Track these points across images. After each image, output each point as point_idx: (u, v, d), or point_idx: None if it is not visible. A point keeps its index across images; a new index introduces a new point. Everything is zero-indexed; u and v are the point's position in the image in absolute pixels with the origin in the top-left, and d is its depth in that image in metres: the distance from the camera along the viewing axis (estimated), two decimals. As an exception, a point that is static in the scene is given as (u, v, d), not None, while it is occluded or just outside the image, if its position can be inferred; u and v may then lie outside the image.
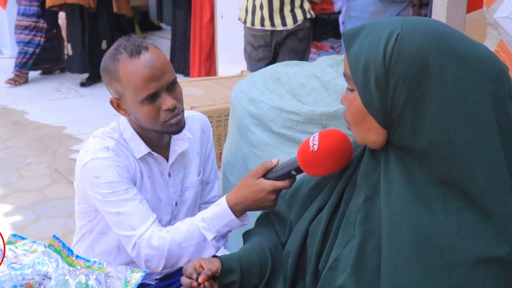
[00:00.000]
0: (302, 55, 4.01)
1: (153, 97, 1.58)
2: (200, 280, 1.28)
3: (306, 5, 3.96)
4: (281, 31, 3.92)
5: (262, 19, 3.91)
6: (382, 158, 1.13)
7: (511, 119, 1.04)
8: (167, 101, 1.59)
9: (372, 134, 1.11)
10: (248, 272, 1.37)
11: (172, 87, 1.62)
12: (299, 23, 3.91)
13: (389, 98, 1.05)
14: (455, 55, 1.02)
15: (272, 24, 3.89)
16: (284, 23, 3.89)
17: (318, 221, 1.27)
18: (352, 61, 1.09)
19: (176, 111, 1.62)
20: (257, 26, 3.94)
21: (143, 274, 1.35)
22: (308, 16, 3.95)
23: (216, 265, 1.33)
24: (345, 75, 1.14)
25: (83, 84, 6.43)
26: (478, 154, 1.01)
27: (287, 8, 3.88)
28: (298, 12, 3.91)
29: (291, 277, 1.34)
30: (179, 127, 1.65)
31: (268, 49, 3.99)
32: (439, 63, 1.02)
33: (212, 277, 1.33)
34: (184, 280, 1.32)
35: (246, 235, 1.52)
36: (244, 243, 1.50)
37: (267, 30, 3.93)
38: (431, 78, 1.02)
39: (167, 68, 1.61)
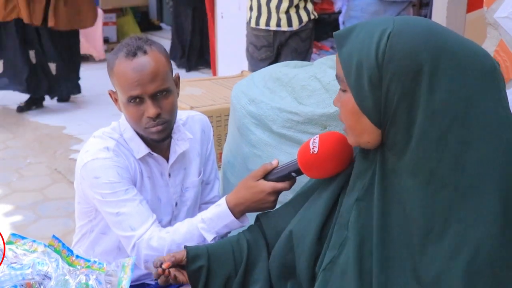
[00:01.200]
0: (305, 55, 4.01)
1: (137, 101, 1.60)
2: (164, 266, 1.37)
3: (310, 6, 3.96)
4: (284, 31, 3.92)
5: (268, 19, 3.90)
6: (377, 159, 1.13)
7: (505, 115, 1.04)
8: (149, 109, 1.60)
9: (367, 135, 1.11)
10: (218, 259, 1.40)
11: (161, 96, 1.61)
12: (304, 24, 3.91)
13: (383, 96, 1.05)
14: (447, 51, 1.03)
15: (278, 24, 3.89)
16: (290, 24, 3.89)
17: (308, 222, 1.27)
18: (344, 61, 1.09)
19: (158, 120, 1.61)
20: (262, 26, 3.93)
21: (133, 260, 1.33)
22: (312, 17, 3.96)
23: (181, 253, 1.41)
24: (337, 76, 1.14)
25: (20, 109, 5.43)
26: (469, 150, 1.01)
27: (293, 10, 3.88)
28: (303, 13, 3.91)
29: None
30: (160, 136, 1.65)
31: (271, 49, 3.98)
32: (431, 59, 1.02)
33: (181, 266, 1.41)
34: (153, 270, 1.42)
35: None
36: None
37: (270, 30, 3.93)
38: (424, 74, 1.02)
39: (159, 76, 1.59)
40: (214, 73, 5.62)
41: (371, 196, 1.13)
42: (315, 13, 4.02)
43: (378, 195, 1.10)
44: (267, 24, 3.91)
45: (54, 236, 1.33)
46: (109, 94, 1.72)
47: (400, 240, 1.07)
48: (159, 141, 1.66)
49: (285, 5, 3.85)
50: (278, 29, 3.90)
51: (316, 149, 1.28)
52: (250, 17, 4.00)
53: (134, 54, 1.59)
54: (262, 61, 4.01)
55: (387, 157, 1.11)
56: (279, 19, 3.87)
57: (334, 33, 1.12)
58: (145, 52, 1.60)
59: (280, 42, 3.96)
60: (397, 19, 1.08)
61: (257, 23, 3.94)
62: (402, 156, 1.07)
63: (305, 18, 3.91)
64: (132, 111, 1.61)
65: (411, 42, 1.03)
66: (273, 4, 3.87)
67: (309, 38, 4.03)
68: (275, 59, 3.99)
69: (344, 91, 1.13)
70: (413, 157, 1.05)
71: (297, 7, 3.88)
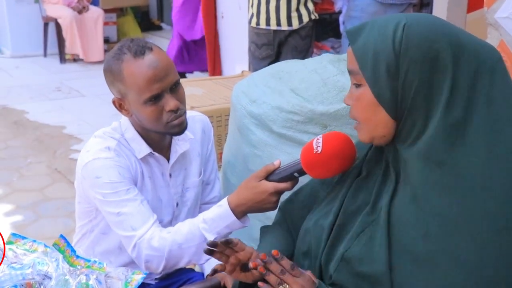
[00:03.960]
0: (305, 54, 4.01)
1: (156, 98, 1.58)
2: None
3: (311, 5, 3.97)
4: (283, 30, 3.92)
5: (268, 18, 3.91)
6: (390, 157, 1.15)
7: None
8: (170, 102, 1.59)
9: (382, 128, 1.12)
10: None
11: (175, 88, 1.62)
12: (304, 24, 3.92)
13: (400, 86, 1.07)
14: (459, 42, 1.06)
15: (278, 24, 3.90)
16: (290, 23, 3.89)
17: (321, 224, 1.27)
18: (359, 54, 1.10)
19: (179, 112, 1.61)
20: (262, 25, 3.94)
21: (144, 275, 1.35)
22: (313, 17, 3.97)
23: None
24: (350, 71, 1.15)
25: None
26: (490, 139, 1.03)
27: (293, 7, 3.88)
28: (304, 12, 3.91)
29: None
30: (181, 128, 1.65)
31: (271, 47, 3.99)
32: (447, 48, 1.05)
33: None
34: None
35: (265, 233, 1.51)
36: (261, 239, 1.49)
37: (270, 29, 3.94)
38: (442, 62, 1.05)
39: (171, 69, 1.60)
40: (211, 73, 5.60)
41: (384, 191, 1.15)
42: (316, 14, 4.03)
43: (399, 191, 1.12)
44: (267, 23, 3.92)
45: (61, 235, 1.33)
46: (113, 102, 1.67)
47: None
48: (180, 133, 1.66)
49: (283, 4, 3.85)
50: (278, 28, 3.91)
51: (319, 149, 1.28)
52: (251, 17, 4.01)
53: (143, 53, 1.58)
54: (263, 59, 4.02)
55: (399, 150, 1.12)
56: (278, 18, 3.88)
57: (346, 29, 1.15)
58: (151, 49, 1.59)
59: (280, 40, 3.97)
60: (409, 14, 1.12)
61: (258, 23, 3.95)
62: (414, 145, 1.08)
63: (305, 18, 3.92)
64: (150, 110, 1.59)
65: (426, 31, 1.06)
66: (272, 4, 3.88)
67: (309, 37, 4.03)
68: (276, 58, 4.00)
69: (358, 85, 1.13)
70: (429, 143, 1.06)
71: (298, 3, 3.88)
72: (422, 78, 1.05)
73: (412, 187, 1.10)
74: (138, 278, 1.33)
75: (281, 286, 1.15)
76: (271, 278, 1.15)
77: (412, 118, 1.08)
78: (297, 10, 3.89)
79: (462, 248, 1.03)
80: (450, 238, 1.03)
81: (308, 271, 1.19)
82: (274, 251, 1.16)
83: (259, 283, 1.16)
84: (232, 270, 1.31)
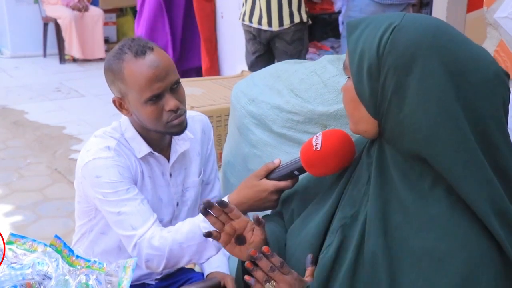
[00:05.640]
0: (297, 58, 3.97)
1: (156, 98, 1.58)
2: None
3: (295, 10, 3.88)
4: (265, 30, 3.91)
5: (251, 15, 3.93)
6: (375, 152, 1.14)
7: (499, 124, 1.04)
8: (170, 102, 1.59)
9: (364, 124, 1.13)
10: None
11: (175, 88, 1.62)
12: (284, 27, 3.87)
13: (379, 88, 1.06)
14: (447, 52, 1.03)
15: (259, 22, 3.90)
16: (270, 24, 3.88)
17: (320, 221, 1.27)
18: (350, 48, 1.11)
19: (179, 112, 1.62)
20: (246, 21, 3.98)
21: (135, 260, 1.33)
22: (297, 21, 3.87)
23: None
24: (344, 64, 1.16)
25: None
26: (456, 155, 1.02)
27: (273, 9, 3.85)
28: (286, 17, 3.86)
29: None
30: (181, 128, 1.65)
31: (258, 41, 4.01)
32: (426, 58, 1.02)
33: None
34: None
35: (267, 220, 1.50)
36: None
37: (252, 26, 3.96)
38: (416, 71, 1.02)
39: (171, 69, 1.61)
40: (215, 73, 5.61)
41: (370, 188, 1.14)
42: (304, 17, 3.90)
43: (374, 186, 1.12)
44: (250, 20, 3.94)
45: (56, 235, 1.33)
46: (113, 102, 1.68)
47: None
48: (180, 133, 1.66)
49: (264, 4, 3.84)
50: (259, 27, 3.90)
51: (319, 146, 1.28)
52: (241, 12, 4.05)
53: (144, 52, 1.58)
54: (253, 54, 4.08)
55: (384, 149, 1.12)
56: (261, 17, 3.88)
57: (347, 21, 1.14)
58: (151, 49, 1.60)
59: (265, 39, 3.96)
60: (408, 15, 1.09)
61: (243, 18, 3.99)
62: (399, 151, 1.08)
63: (286, 21, 3.86)
64: (150, 110, 1.60)
65: (412, 37, 1.04)
66: (257, 4, 3.88)
67: (297, 40, 3.94)
68: (265, 53, 4.02)
69: (349, 78, 1.15)
70: (407, 154, 1.06)
71: (280, 9, 3.84)
72: (398, 83, 1.03)
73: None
74: (130, 266, 1.31)
75: (268, 283, 1.15)
76: (258, 275, 1.15)
77: (390, 122, 1.07)
78: (279, 12, 3.86)
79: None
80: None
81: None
82: (264, 248, 1.15)
83: (246, 277, 1.17)
84: (227, 240, 1.29)
